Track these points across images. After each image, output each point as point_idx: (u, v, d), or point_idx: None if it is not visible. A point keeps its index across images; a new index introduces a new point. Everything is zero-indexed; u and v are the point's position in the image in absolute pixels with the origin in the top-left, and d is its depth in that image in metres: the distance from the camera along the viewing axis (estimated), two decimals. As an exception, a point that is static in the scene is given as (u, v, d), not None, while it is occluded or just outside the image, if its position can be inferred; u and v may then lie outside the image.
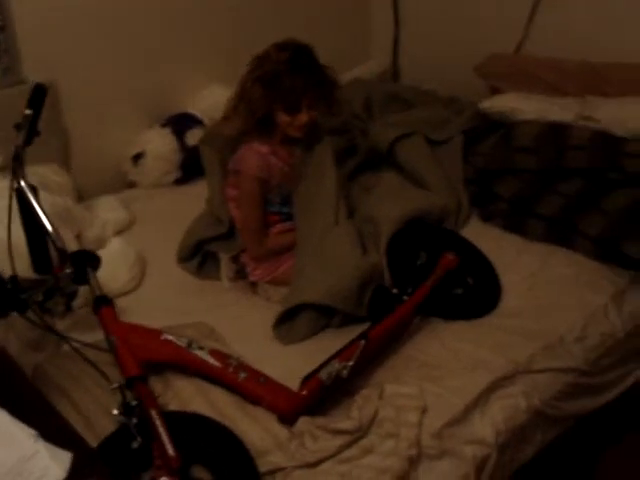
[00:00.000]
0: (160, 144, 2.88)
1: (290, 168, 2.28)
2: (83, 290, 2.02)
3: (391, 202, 2.40)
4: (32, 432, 1.16)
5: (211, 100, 3.03)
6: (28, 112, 1.78)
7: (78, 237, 2.35)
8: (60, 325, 2.09)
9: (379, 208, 2.35)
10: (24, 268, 1.93)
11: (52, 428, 1.20)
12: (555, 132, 2.63)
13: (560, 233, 2.46)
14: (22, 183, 1.82)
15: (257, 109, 2.17)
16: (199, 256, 2.39)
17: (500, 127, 2.80)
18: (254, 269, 2.30)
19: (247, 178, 2.23)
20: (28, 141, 1.82)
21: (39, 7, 2.61)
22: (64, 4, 2.66)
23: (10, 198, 1.84)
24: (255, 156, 2.23)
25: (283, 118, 2.18)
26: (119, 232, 2.55)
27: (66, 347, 1.98)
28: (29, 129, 1.80)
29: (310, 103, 2.17)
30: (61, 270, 1.85)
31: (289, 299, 2.10)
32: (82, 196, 2.73)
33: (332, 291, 2.05)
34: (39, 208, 1.83)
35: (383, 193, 2.49)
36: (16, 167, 1.83)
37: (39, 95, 1.82)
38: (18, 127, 1.81)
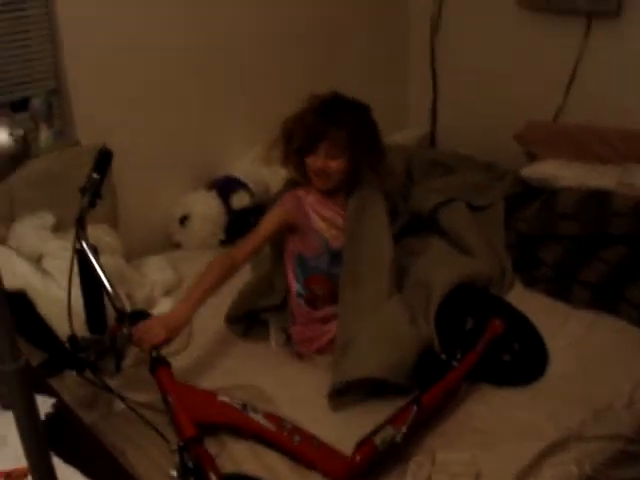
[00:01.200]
0: (206, 207, 2.94)
1: (343, 221, 2.27)
2: (132, 350, 2.05)
3: (442, 268, 2.41)
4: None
5: (255, 163, 3.09)
6: (95, 176, 1.83)
7: (128, 297, 2.39)
8: (110, 385, 2.11)
9: (430, 274, 2.36)
10: (78, 326, 1.96)
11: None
12: (597, 199, 2.66)
13: (605, 300, 2.47)
14: (84, 244, 1.86)
15: (288, 154, 2.23)
16: (247, 320, 2.41)
17: (541, 193, 2.83)
18: (299, 343, 2.31)
19: (274, 210, 2.26)
20: (92, 204, 1.86)
21: (93, 72, 2.71)
22: (117, 70, 2.76)
23: (72, 259, 1.88)
24: (291, 198, 2.27)
25: (307, 161, 2.21)
26: (167, 292, 2.59)
27: (118, 406, 2.00)
28: (93, 192, 1.85)
29: (330, 150, 2.17)
30: (118, 330, 1.89)
31: (344, 372, 2.06)
32: (129, 256, 2.77)
33: (391, 365, 2.03)
34: (100, 269, 1.87)
35: (434, 258, 2.52)
36: (79, 229, 1.87)
37: (105, 159, 1.87)
38: (83, 190, 1.86)
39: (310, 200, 2.25)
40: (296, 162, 2.26)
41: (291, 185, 2.37)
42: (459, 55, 3.54)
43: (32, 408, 0.71)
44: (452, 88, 3.64)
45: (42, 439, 0.74)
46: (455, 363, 2.08)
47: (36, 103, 2.63)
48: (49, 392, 1.46)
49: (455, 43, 3.54)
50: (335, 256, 2.26)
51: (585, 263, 2.56)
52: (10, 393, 0.69)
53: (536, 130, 3.13)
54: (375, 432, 1.79)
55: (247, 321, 2.41)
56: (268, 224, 2.24)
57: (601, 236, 2.59)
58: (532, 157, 3.14)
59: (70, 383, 1.98)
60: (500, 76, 3.41)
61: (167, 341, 1.97)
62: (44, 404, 1.38)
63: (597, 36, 3.03)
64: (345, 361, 2.10)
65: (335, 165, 2.19)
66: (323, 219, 2.25)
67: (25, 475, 1.19)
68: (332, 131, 2.16)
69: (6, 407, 1.32)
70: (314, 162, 2.19)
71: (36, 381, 0.94)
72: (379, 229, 2.29)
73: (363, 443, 1.77)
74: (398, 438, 1.79)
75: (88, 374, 1.90)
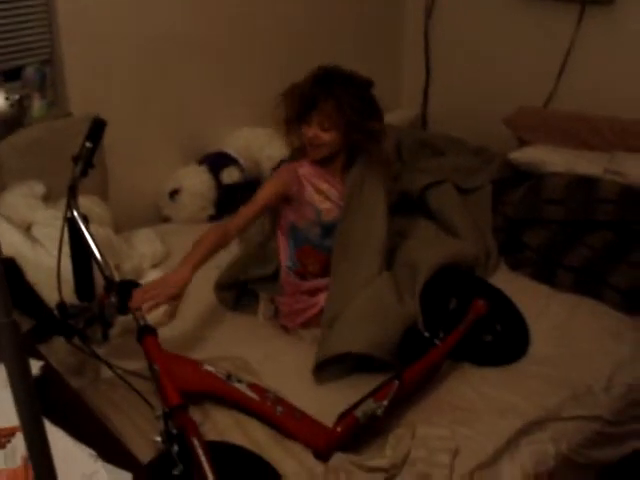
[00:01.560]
0: (196, 181, 2.95)
1: (341, 197, 2.29)
2: (120, 320, 2.08)
3: (429, 249, 2.44)
4: (91, 452, 1.21)
5: (246, 140, 3.11)
6: (88, 145, 1.84)
7: (116, 268, 2.41)
8: (97, 352, 2.13)
9: (418, 254, 2.40)
10: (67, 294, 1.98)
11: (110, 448, 1.24)
12: (584, 185, 2.69)
13: (587, 284, 2.51)
14: (75, 213, 1.88)
15: (286, 122, 2.25)
16: (237, 290, 2.44)
17: (528, 178, 2.87)
18: (286, 315, 2.34)
19: (271, 180, 2.31)
20: (84, 173, 1.88)
21: (87, 43, 2.71)
22: (111, 43, 2.76)
23: (62, 227, 1.90)
24: (287, 169, 2.30)
25: (302, 130, 2.23)
26: (155, 265, 2.61)
27: (105, 374, 2.03)
28: (86, 161, 1.86)
29: (322, 121, 2.18)
30: (107, 298, 1.91)
31: (330, 346, 2.10)
32: (118, 228, 2.79)
33: (376, 341, 2.06)
34: (90, 238, 1.89)
35: (421, 240, 2.54)
36: (70, 197, 1.89)
37: (98, 129, 1.88)
38: (76, 159, 1.87)
39: (306, 171, 2.28)
40: (295, 130, 2.27)
41: (294, 156, 2.39)
42: (453, 38, 3.56)
43: (23, 360, 0.74)
44: (445, 71, 3.66)
45: (32, 391, 0.76)
46: (437, 341, 2.11)
47: (29, 72, 2.63)
48: (37, 356, 1.48)
49: (449, 26, 3.56)
50: (327, 229, 2.29)
51: (570, 248, 2.60)
52: (2, 345, 0.71)
53: (526, 116, 3.15)
54: (357, 405, 1.83)
55: (236, 291, 2.44)
56: (264, 194, 2.26)
57: (586, 222, 2.63)
58: (522, 142, 3.17)
59: (58, 349, 2.00)
60: (492, 60, 3.43)
61: (178, 296, 2.00)
62: (32, 366, 1.40)
63: (590, 23, 3.05)
64: (331, 335, 2.14)
65: (326, 137, 2.20)
66: (318, 191, 2.28)
67: (13, 434, 1.22)
68: (321, 101, 2.17)
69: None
70: (306, 131, 2.21)
71: (25, 346, 0.96)
72: (375, 205, 2.31)
73: (344, 415, 1.81)
74: (379, 411, 1.82)
75: (76, 341, 1.92)
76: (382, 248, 2.28)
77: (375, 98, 2.29)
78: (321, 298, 2.29)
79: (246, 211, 2.24)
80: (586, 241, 2.59)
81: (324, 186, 2.28)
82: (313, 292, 2.32)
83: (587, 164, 2.79)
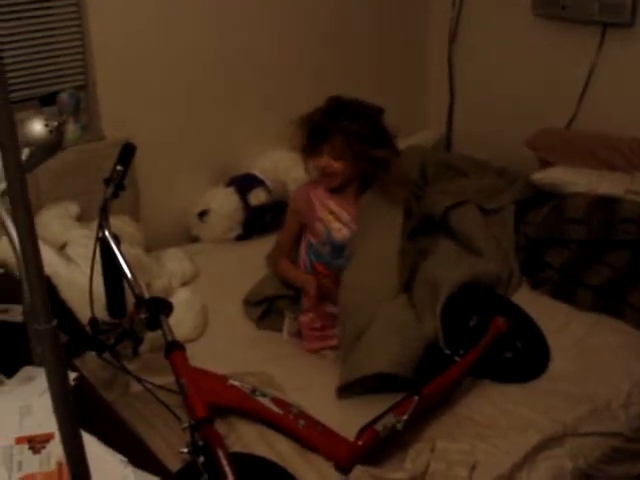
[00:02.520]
0: (224, 203, 3.03)
1: (352, 219, 2.37)
2: (149, 336, 2.15)
3: (450, 267, 2.49)
4: (122, 458, 1.28)
5: (273, 162, 3.19)
6: (119, 168, 1.92)
7: (147, 286, 2.48)
8: (127, 367, 2.20)
9: (438, 273, 2.44)
10: (99, 311, 2.06)
11: (139, 456, 1.30)
12: (605, 205, 2.72)
13: (608, 303, 2.54)
14: (107, 233, 1.96)
15: (301, 150, 2.38)
16: (264, 306, 2.51)
17: (550, 198, 2.90)
18: (306, 337, 2.40)
19: (288, 211, 2.51)
20: (115, 194, 1.95)
21: (119, 69, 2.81)
22: (142, 68, 2.86)
23: (94, 246, 1.98)
24: (299, 191, 2.46)
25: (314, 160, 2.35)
26: (184, 283, 2.68)
27: (134, 388, 2.10)
28: (117, 183, 1.94)
29: (331, 152, 2.29)
30: (136, 315, 1.98)
31: (354, 368, 2.14)
32: (148, 247, 2.87)
33: (399, 361, 2.11)
34: (121, 257, 1.97)
35: (442, 258, 2.59)
36: (102, 218, 1.96)
37: (128, 153, 1.96)
38: (107, 181, 1.95)
39: (319, 193, 2.38)
40: (309, 158, 2.40)
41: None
42: (476, 61, 3.61)
43: (62, 364, 0.81)
44: (469, 93, 3.71)
45: (70, 395, 0.83)
46: (457, 358, 2.16)
47: (64, 98, 2.73)
48: (71, 368, 1.55)
49: (472, 50, 3.61)
50: (337, 248, 2.39)
51: (591, 267, 2.63)
52: (44, 350, 0.78)
53: (547, 137, 3.19)
54: (377, 419, 1.88)
55: (263, 307, 2.52)
56: (287, 225, 2.49)
57: (607, 241, 2.66)
58: (544, 163, 3.20)
59: (90, 364, 2.07)
60: (515, 83, 3.47)
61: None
62: (66, 377, 1.48)
63: (611, 46, 3.09)
64: (354, 357, 2.18)
65: (338, 166, 2.31)
66: (329, 212, 2.37)
67: (47, 440, 1.29)
68: (330, 133, 2.28)
69: (39, 365, 1.43)
70: (318, 162, 2.32)
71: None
72: (390, 226, 2.39)
73: (365, 429, 1.86)
74: (399, 426, 1.87)
75: (107, 356, 1.99)
76: (395, 267, 2.34)
77: (384, 125, 2.39)
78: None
79: (282, 243, 2.51)
80: (607, 260, 2.62)
81: (335, 208, 2.38)
82: (328, 318, 2.37)
83: (609, 184, 2.82)
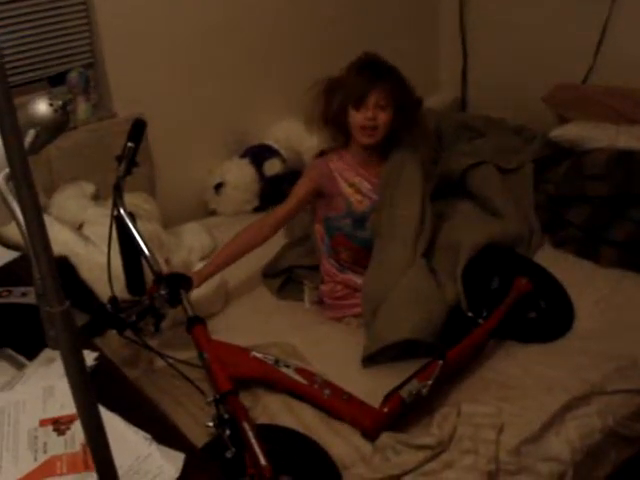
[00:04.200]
0: (239, 174, 3.01)
1: (373, 189, 2.34)
2: (171, 312, 2.15)
3: (470, 229, 2.47)
4: (146, 435, 1.28)
5: (287, 131, 3.16)
6: (130, 145, 1.91)
7: (166, 262, 2.48)
8: (150, 344, 2.21)
9: (457, 236, 2.42)
10: (119, 290, 2.06)
11: (163, 432, 1.30)
12: (625, 159, 2.67)
13: (632, 258, 2.51)
14: (122, 211, 1.95)
15: (329, 112, 2.28)
16: (282, 277, 2.50)
17: (569, 155, 2.86)
18: (328, 307, 2.40)
19: (303, 179, 2.38)
20: (128, 171, 1.94)
21: (128, 45, 2.78)
22: (151, 43, 2.83)
23: (110, 225, 1.97)
24: (319, 163, 2.36)
25: (352, 116, 2.24)
26: (203, 257, 2.67)
27: (158, 364, 2.10)
28: (129, 161, 1.93)
29: (378, 102, 2.21)
30: (156, 291, 1.98)
31: (376, 337, 2.13)
32: (166, 223, 2.87)
33: (421, 326, 2.10)
34: (137, 234, 1.96)
35: (461, 222, 2.56)
36: (116, 196, 1.96)
37: (139, 129, 1.95)
38: (119, 159, 1.94)
39: (339, 165, 2.32)
40: (337, 121, 2.30)
41: (321, 154, 2.44)
42: (488, 18, 3.54)
43: (77, 346, 0.80)
44: (482, 52, 3.65)
45: (87, 376, 0.82)
46: (481, 320, 2.14)
47: (73, 77, 2.71)
48: (92, 349, 1.55)
49: (484, 6, 3.54)
50: (358, 220, 2.34)
51: (613, 223, 2.60)
52: (57, 333, 0.77)
53: (564, 92, 3.14)
54: (402, 385, 1.87)
55: (282, 278, 2.51)
56: (298, 193, 2.35)
57: (629, 196, 2.62)
58: (563, 120, 3.15)
59: (112, 342, 2.08)
60: (529, 38, 3.41)
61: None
62: (87, 357, 1.48)
63: (625, -2, 3.02)
64: (376, 326, 2.17)
65: (384, 116, 2.23)
66: (349, 184, 2.32)
67: (71, 421, 1.29)
68: (379, 83, 2.22)
69: (53, 347, 1.42)
70: (364, 114, 2.22)
71: (80, 338, 1.01)
72: (413, 190, 2.34)
73: (390, 396, 1.86)
74: (424, 391, 1.86)
75: (129, 334, 2.00)
76: (416, 232, 2.31)
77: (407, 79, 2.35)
78: (360, 299, 2.32)
79: (280, 211, 2.35)
80: (629, 215, 2.58)
81: (356, 179, 2.32)
82: (351, 288, 2.36)
83: (628, 138, 2.77)
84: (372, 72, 2.24)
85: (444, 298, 2.21)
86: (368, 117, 2.22)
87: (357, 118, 2.23)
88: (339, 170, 2.32)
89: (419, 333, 2.09)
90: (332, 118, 2.30)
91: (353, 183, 2.32)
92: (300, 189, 2.36)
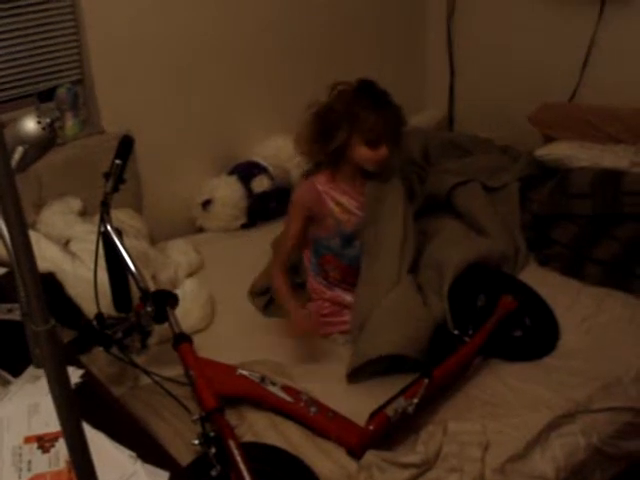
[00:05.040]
0: (228, 191, 3.02)
1: (359, 206, 2.34)
2: (158, 329, 2.15)
3: (454, 248, 2.47)
4: (131, 453, 1.28)
5: (275, 148, 3.18)
6: (118, 162, 1.90)
7: (153, 278, 2.48)
8: (136, 361, 2.20)
9: (443, 253, 2.43)
10: (105, 306, 2.06)
11: (148, 450, 1.30)
12: (610, 178, 2.70)
13: (616, 277, 2.53)
14: (109, 227, 1.95)
15: (334, 141, 2.23)
16: (269, 295, 2.50)
17: (555, 174, 2.88)
18: (318, 317, 2.37)
19: (294, 204, 2.37)
20: (115, 188, 1.94)
21: (116, 62, 2.79)
22: (140, 60, 2.84)
23: (97, 241, 1.97)
24: (307, 188, 2.35)
25: (363, 152, 2.23)
26: (190, 274, 2.68)
27: (144, 381, 2.10)
28: (117, 177, 1.93)
29: (389, 137, 2.23)
30: (142, 308, 1.98)
31: (361, 352, 2.13)
32: (153, 239, 2.87)
33: (406, 343, 2.10)
34: (124, 251, 1.96)
35: (446, 239, 2.57)
36: (103, 212, 1.96)
37: (126, 146, 1.94)
38: (107, 176, 1.93)
39: (325, 187, 2.33)
40: (338, 151, 2.27)
41: (306, 176, 2.44)
42: (475, 37, 3.58)
43: (62, 365, 0.80)
44: (469, 70, 3.68)
45: (71, 395, 0.82)
46: (467, 338, 2.15)
47: (61, 93, 2.72)
48: (78, 366, 1.55)
49: (471, 25, 3.58)
50: (346, 239, 2.35)
51: (598, 241, 2.61)
52: (42, 352, 0.77)
53: (549, 112, 3.16)
54: (388, 403, 1.87)
55: (269, 295, 2.51)
56: (293, 224, 2.36)
57: (613, 215, 2.64)
58: (548, 140, 3.18)
59: (98, 359, 2.07)
60: (516, 58, 3.44)
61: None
62: (73, 374, 1.48)
63: (611, 16, 3.05)
64: (361, 341, 2.18)
65: (386, 151, 2.25)
66: (336, 203, 2.32)
67: (56, 439, 1.29)
68: (390, 122, 2.22)
69: (38, 366, 1.43)
70: (378, 153, 2.23)
71: (67, 356, 1.01)
72: (395, 209, 2.36)
73: (376, 414, 1.85)
74: (410, 409, 1.87)
75: (115, 351, 1.99)
76: (401, 247, 2.32)
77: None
78: (346, 316, 2.34)
79: (287, 244, 2.37)
80: (614, 234, 2.60)
81: (343, 199, 2.33)
82: (339, 305, 2.37)
83: (613, 157, 2.80)
84: (383, 109, 2.22)
85: (430, 315, 2.21)
86: (384, 155, 2.24)
87: (369, 155, 2.24)
88: (326, 191, 2.32)
89: (403, 349, 2.10)
90: (335, 149, 2.26)
91: (340, 202, 2.32)
92: (294, 218, 2.36)
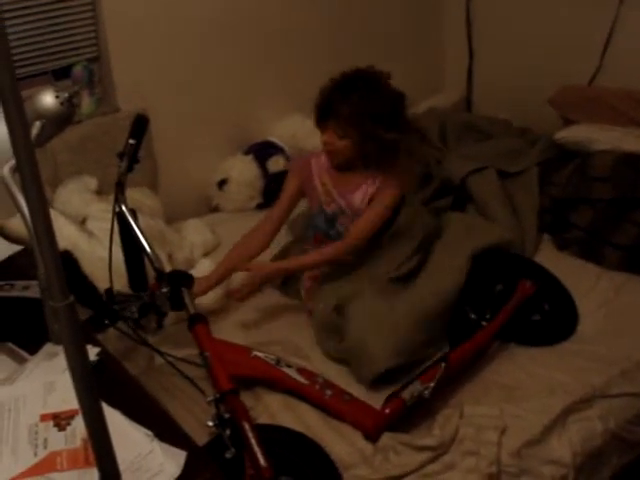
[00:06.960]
0: (243, 171, 3.00)
1: (340, 196, 2.30)
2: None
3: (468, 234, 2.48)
4: (147, 432, 1.27)
5: (292, 128, 3.15)
6: (132, 141, 1.88)
7: (169, 258, 2.47)
8: (151, 341, 2.19)
9: (456, 239, 2.45)
10: (121, 285, 2.05)
11: (165, 429, 1.29)
12: (631, 162, 2.67)
13: (636, 261, 2.50)
14: (123, 207, 1.94)
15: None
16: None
17: (574, 157, 2.85)
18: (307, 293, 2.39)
19: (287, 179, 2.42)
20: (130, 168, 1.92)
21: (132, 40, 2.77)
22: (156, 38, 2.82)
23: (112, 221, 1.96)
24: (303, 160, 2.38)
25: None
26: (206, 253, 2.66)
27: (158, 361, 2.09)
28: (131, 157, 1.90)
29: (338, 127, 2.14)
30: (157, 289, 1.96)
31: (360, 377, 2.05)
32: (169, 219, 2.85)
33: (395, 351, 2.03)
34: (139, 231, 1.94)
35: (460, 224, 2.57)
36: (118, 192, 1.94)
37: (140, 125, 1.91)
38: (121, 155, 1.91)
39: (320, 162, 2.32)
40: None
41: None
42: (495, 18, 3.53)
43: (80, 341, 0.79)
44: (488, 52, 3.64)
45: (89, 371, 0.81)
46: (484, 323, 2.13)
47: (77, 71, 2.70)
48: (94, 344, 1.54)
49: (491, 6, 3.53)
50: (329, 220, 2.34)
51: (617, 226, 2.59)
52: (61, 327, 0.76)
53: (569, 94, 3.12)
54: (404, 387, 1.86)
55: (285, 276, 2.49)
56: (286, 190, 2.37)
57: (634, 199, 2.61)
58: (567, 121, 3.14)
59: (113, 338, 2.07)
60: (536, 39, 3.39)
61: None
62: (90, 352, 1.45)
63: (633, 1, 3.00)
64: (354, 366, 2.09)
65: (340, 144, 2.17)
66: (322, 183, 2.32)
67: (72, 416, 1.28)
68: (337, 109, 2.13)
69: (57, 342, 1.42)
70: (321, 136, 2.20)
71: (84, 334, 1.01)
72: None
73: (392, 397, 1.85)
74: (426, 393, 1.85)
75: (128, 329, 1.98)
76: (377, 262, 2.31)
77: (403, 109, 2.22)
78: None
79: (275, 213, 2.37)
80: (634, 219, 2.57)
81: (328, 182, 2.31)
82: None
83: (633, 141, 2.76)
84: (339, 96, 2.14)
85: (399, 315, 2.12)
86: (322, 141, 2.21)
87: (320, 138, 2.22)
88: (319, 166, 2.33)
89: (396, 359, 2.03)
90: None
91: (324, 183, 2.31)
92: (288, 185, 2.38)
